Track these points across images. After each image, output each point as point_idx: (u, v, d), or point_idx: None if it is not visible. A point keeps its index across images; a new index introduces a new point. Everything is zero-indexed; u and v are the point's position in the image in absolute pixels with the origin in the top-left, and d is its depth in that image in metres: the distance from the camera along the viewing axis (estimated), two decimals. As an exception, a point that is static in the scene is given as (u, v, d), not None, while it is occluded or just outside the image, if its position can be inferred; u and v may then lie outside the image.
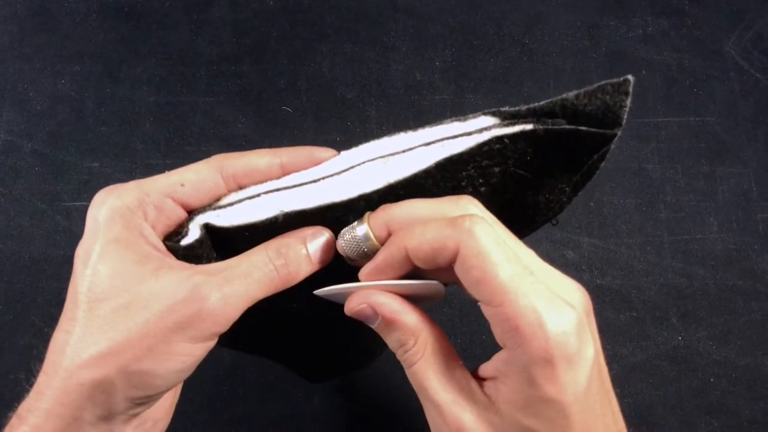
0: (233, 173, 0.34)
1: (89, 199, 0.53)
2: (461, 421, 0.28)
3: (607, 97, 0.31)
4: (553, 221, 0.37)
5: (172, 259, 0.31)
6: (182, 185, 0.33)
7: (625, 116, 0.31)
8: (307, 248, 0.33)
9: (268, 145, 0.54)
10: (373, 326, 0.31)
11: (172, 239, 0.33)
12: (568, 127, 0.32)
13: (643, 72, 0.56)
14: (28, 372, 0.30)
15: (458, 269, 0.28)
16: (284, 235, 0.33)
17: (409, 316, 0.30)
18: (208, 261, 0.33)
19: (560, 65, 0.56)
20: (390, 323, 0.30)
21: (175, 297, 0.29)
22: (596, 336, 0.29)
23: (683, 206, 0.53)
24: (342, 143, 0.54)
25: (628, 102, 0.31)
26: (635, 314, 0.51)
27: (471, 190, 0.35)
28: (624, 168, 0.54)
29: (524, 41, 0.57)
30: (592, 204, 0.53)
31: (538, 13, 0.58)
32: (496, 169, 0.34)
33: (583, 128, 0.32)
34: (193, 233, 0.33)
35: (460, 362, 0.30)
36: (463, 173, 0.34)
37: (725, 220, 0.52)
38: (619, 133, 0.31)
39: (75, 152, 0.55)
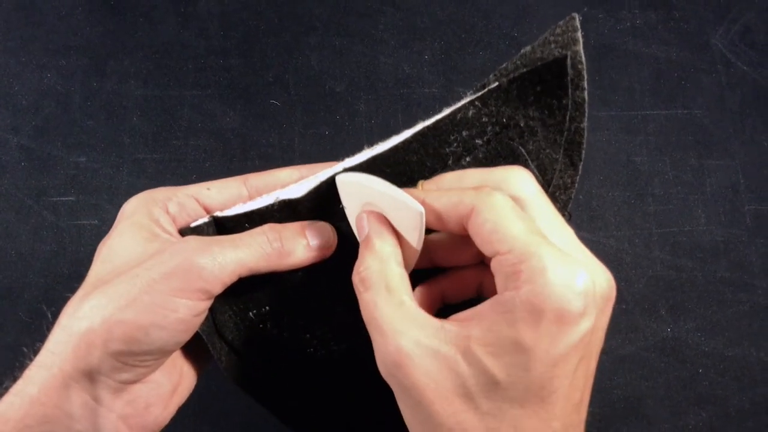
0: (257, 185, 0.36)
1: (76, 194, 0.53)
2: (400, 343, 0.27)
3: (559, 37, 0.33)
4: (566, 213, 0.35)
5: (176, 238, 0.33)
6: (208, 189, 0.35)
7: (581, 49, 0.33)
8: (306, 234, 0.34)
9: (256, 139, 0.54)
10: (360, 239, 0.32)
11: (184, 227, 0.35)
12: (527, 69, 0.34)
13: (632, 65, 0.56)
14: (15, 369, 0.30)
15: (472, 225, 0.28)
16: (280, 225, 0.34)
17: (380, 242, 0.31)
18: None
19: (549, 58, 0.57)
20: (365, 240, 0.31)
21: (167, 255, 0.30)
22: (602, 329, 0.28)
23: (671, 199, 0.53)
24: (331, 137, 0.54)
25: (579, 36, 0.33)
26: (624, 306, 0.51)
27: (458, 168, 0.34)
28: (612, 161, 0.54)
29: (513, 34, 0.57)
30: (581, 197, 0.53)
31: (526, 5, 0.58)
32: (479, 141, 0.35)
33: (539, 64, 0.33)
34: (202, 219, 0.35)
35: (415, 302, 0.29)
36: (447, 149, 0.35)
37: (713, 213, 0.53)
38: (574, 50, 0.33)
39: (61, 147, 0.55)
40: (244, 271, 0.32)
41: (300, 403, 0.38)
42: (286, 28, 0.58)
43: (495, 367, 0.26)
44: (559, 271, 0.26)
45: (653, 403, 0.49)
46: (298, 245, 0.33)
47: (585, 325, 0.27)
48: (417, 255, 0.32)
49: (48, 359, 0.29)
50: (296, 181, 0.36)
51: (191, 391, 0.36)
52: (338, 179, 0.33)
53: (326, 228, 0.35)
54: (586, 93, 0.33)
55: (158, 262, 0.30)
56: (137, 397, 0.32)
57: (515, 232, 0.27)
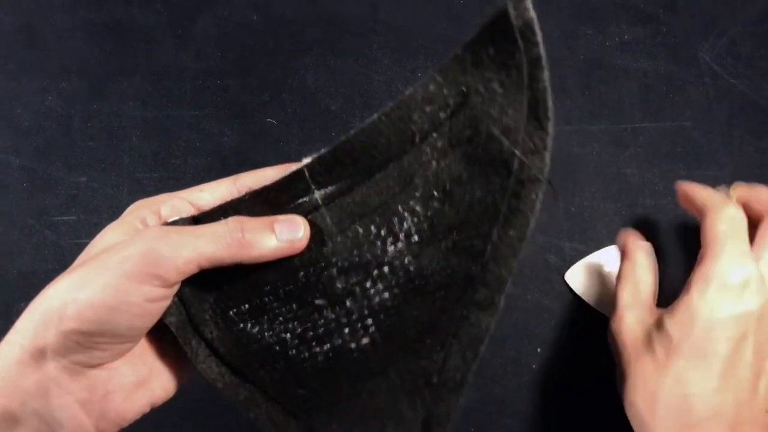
0: (247, 183, 0.38)
1: (77, 213, 0.54)
2: (623, 310, 0.43)
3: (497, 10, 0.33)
4: (551, 190, 0.35)
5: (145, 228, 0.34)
6: (201, 191, 0.37)
7: (528, 3, 0.32)
8: (275, 226, 0.34)
9: (253, 158, 0.55)
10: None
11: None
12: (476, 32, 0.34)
13: (620, 79, 0.57)
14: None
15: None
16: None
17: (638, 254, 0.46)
18: None
19: (539, 74, 0.58)
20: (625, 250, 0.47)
21: (128, 241, 0.31)
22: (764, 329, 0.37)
23: (662, 209, 0.54)
24: (326, 154, 0.55)
25: (526, 4, 0.32)
26: (617, 316, 0.52)
27: (428, 148, 0.35)
28: (603, 173, 0.55)
29: (503, 51, 0.58)
30: (573, 209, 0.54)
31: (516, 23, 0.59)
32: (442, 115, 0.34)
33: (486, 22, 0.33)
34: (180, 217, 0.36)
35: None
36: (412, 127, 0.35)
37: (703, 223, 0.53)
38: (522, 6, 0.32)
39: (62, 167, 0.56)
40: (203, 261, 0.32)
41: (282, 407, 0.38)
42: (282, 49, 0.59)
43: (670, 325, 0.38)
44: (735, 255, 0.37)
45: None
46: (263, 237, 0.34)
47: (749, 301, 0.36)
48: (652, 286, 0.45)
49: (12, 336, 0.30)
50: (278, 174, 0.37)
51: (170, 394, 0.37)
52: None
53: (297, 220, 0.35)
54: (541, 48, 0.32)
55: (120, 248, 0.31)
56: (95, 382, 0.32)
57: (715, 230, 0.39)
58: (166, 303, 0.33)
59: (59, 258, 0.53)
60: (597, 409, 0.50)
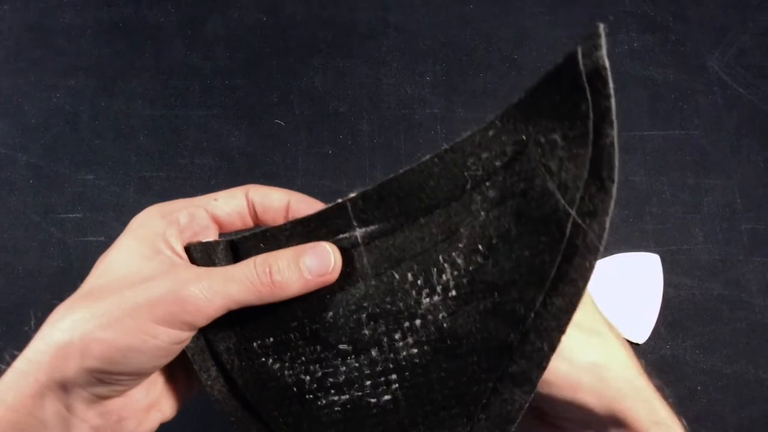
0: (254, 198, 0.37)
1: (83, 211, 0.54)
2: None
3: (584, 46, 0.28)
4: (598, 241, 0.29)
5: (177, 261, 0.33)
6: (215, 199, 0.36)
7: (603, 53, 0.27)
8: (301, 262, 0.33)
9: (260, 158, 0.55)
10: None
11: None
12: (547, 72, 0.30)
13: (630, 87, 0.57)
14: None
15: None
16: (280, 251, 0.33)
17: None
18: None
19: (548, 80, 0.58)
20: None
21: (158, 282, 0.30)
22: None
23: (669, 218, 0.54)
24: (334, 156, 0.55)
25: (602, 42, 0.27)
26: (623, 324, 0.52)
27: (479, 197, 0.32)
28: (611, 180, 0.55)
29: (513, 57, 0.58)
30: (580, 215, 0.54)
31: (526, 29, 0.59)
32: (498, 163, 0.32)
33: (554, 67, 0.29)
34: (214, 238, 0.35)
35: None
36: (465, 172, 0.32)
37: (710, 231, 0.53)
38: (597, 54, 0.27)
39: (69, 165, 0.56)
40: (233, 306, 0.32)
41: None
42: (291, 50, 0.59)
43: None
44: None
45: (652, 420, 0.50)
46: (292, 277, 0.33)
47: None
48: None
49: (25, 366, 0.29)
50: (285, 205, 0.37)
51: (178, 410, 0.36)
52: None
53: (325, 251, 0.33)
54: (612, 101, 0.28)
55: (147, 287, 0.30)
56: (110, 410, 0.32)
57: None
58: (188, 341, 0.33)
59: (65, 255, 0.53)
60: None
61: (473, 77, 0.58)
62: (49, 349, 0.29)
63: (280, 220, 0.37)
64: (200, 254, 0.34)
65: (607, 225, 0.29)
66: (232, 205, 0.37)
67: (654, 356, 0.51)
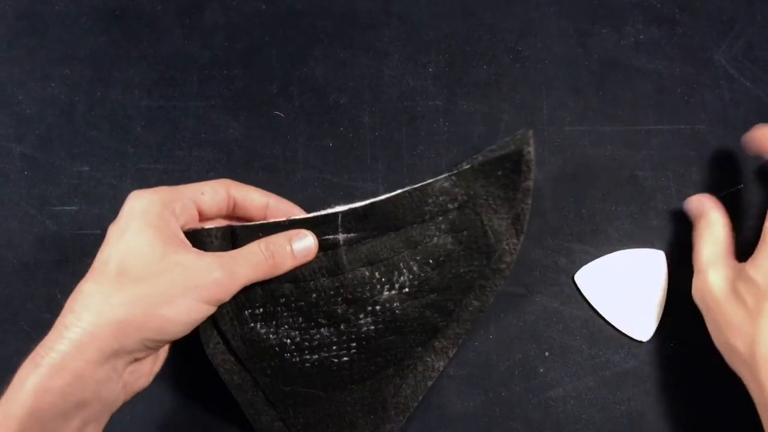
0: (236, 196, 0.46)
1: (79, 203, 0.53)
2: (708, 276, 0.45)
3: (517, 141, 0.48)
4: (507, 270, 0.47)
5: (186, 244, 0.41)
6: (203, 194, 0.44)
7: (531, 150, 0.47)
8: (292, 245, 0.44)
9: (259, 150, 0.54)
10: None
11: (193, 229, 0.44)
12: (494, 156, 0.48)
13: (635, 80, 0.56)
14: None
15: None
16: (276, 235, 0.44)
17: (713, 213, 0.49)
18: (214, 249, 0.44)
19: (553, 73, 0.57)
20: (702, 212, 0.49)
21: (196, 267, 0.38)
22: None
23: (674, 214, 0.53)
24: (334, 149, 0.55)
25: (531, 141, 0.47)
26: (627, 321, 0.51)
27: (434, 226, 0.47)
28: (615, 175, 0.54)
29: (517, 48, 0.57)
30: (584, 211, 0.53)
31: (531, 20, 0.58)
32: (450, 206, 0.47)
33: (501, 154, 0.47)
34: (214, 225, 0.46)
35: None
36: (425, 207, 0.47)
37: (716, 228, 0.53)
38: (527, 150, 0.47)
39: (65, 156, 0.55)
40: (247, 283, 0.42)
41: (265, 398, 0.46)
42: (291, 40, 0.58)
43: (754, 273, 0.42)
44: None
45: (656, 419, 0.49)
46: (287, 256, 0.43)
47: None
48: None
49: (84, 338, 0.35)
50: (263, 205, 0.47)
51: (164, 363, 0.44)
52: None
53: (308, 237, 0.44)
54: (531, 183, 0.46)
55: (190, 275, 0.38)
56: (136, 369, 0.40)
57: None
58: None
59: (60, 248, 0.52)
60: (605, 413, 0.49)
61: (476, 69, 0.57)
62: (110, 324, 0.36)
63: (255, 219, 0.47)
64: (196, 239, 0.43)
65: (514, 259, 0.47)
66: (216, 200, 0.44)
67: (658, 355, 0.50)
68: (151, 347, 0.39)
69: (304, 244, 0.44)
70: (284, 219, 0.46)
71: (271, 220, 0.46)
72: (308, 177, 0.54)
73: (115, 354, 0.36)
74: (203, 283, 0.38)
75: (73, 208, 0.54)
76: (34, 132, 0.55)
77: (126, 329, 0.36)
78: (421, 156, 0.55)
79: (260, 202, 0.47)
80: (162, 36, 0.58)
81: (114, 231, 0.40)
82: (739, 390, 0.49)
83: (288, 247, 0.43)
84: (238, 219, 0.48)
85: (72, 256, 0.52)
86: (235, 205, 0.46)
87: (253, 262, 0.41)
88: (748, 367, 0.42)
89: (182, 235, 0.42)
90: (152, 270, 0.37)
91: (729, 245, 0.47)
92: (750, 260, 0.43)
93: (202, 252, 0.41)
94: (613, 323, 0.51)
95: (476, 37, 0.58)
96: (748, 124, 0.54)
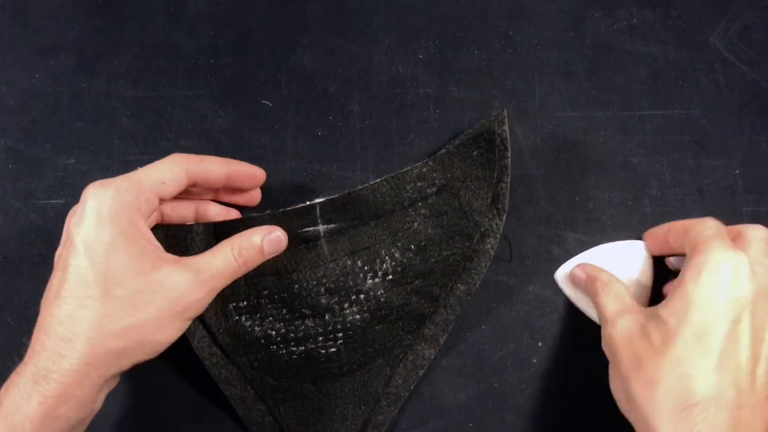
0: (195, 174, 0.45)
1: (65, 196, 0.52)
2: (613, 315, 0.43)
3: (492, 121, 0.48)
4: (508, 251, 0.50)
5: (161, 251, 0.41)
6: (164, 183, 0.42)
7: (506, 128, 0.47)
8: (263, 244, 0.43)
9: (247, 140, 0.53)
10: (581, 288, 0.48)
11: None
12: (467, 137, 0.48)
13: (628, 64, 0.56)
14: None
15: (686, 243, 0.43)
16: (246, 231, 0.44)
17: (604, 274, 0.47)
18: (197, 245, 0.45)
19: (545, 58, 0.56)
20: (590, 278, 0.47)
21: (177, 289, 0.39)
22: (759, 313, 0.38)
23: (669, 200, 0.52)
24: (324, 138, 0.54)
25: (506, 120, 0.48)
26: (621, 309, 0.50)
27: (413, 212, 0.47)
28: (609, 162, 0.53)
29: (509, 33, 0.56)
30: (577, 198, 0.52)
31: (522, 4, 0.57)
32: (429, 191, 0.47)
33: (476, 132, 0.48)
34: (158, 215, 0.46)
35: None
36: (404, 194, 0.47)
37: (711, 214, 0.51)
38: (502, 128, 0.47)
39: (50, 149, 0.54)
40: (222, 288, 0.43)
41: (254, 391, 0.46)
42: (278, 28, 0.57)
43: (666, 313, 0.39)
44: (724, 247, 0.39)
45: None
46: (257, 257, 0.43)
47: (741, 286, 0.38)
48: (647, 286, 0.49)
49: (83, 368, 0.36)
50: (223, 176, 0.47)
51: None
52: (558, 277, 0.51)
53: (276, 233, 0.44)
54: (508, 161, 0.47)
55: (175, 299, 0.39)
56: (117, 378, 0.41)
57: (702, 235, 0.42)
58: None
59: (46, 243, 0.52)
60: (598, 404, 0.49)
61: (467, 54, 0.56)
62: (107, 354, 0.37)
63: (217, 188, 0.49)
64: (174, 237, 0.44)
65: (498, 239, 0.47)
66: (176, 185, 0.43)
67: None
68: (140, 363, 0.40)
69: (273, 240, 0.44)
70: (263, 213, 0.47)
71: (253, 215, 0.47)
72: (297, 167, 0.53)
73: (113, 377, 0.39)
74: (188, 304, 0.40)
75: (59, 201, 0.53)
76: (18, 124, 0.55)
77: (122, 357, 0.38)
78: (412, 144, 0.54)
79: (219, 173, 0.46)
80: (147, 24, 0.57)
81: (82, 237, 0.38)
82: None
83: (258, 246, 0.43)
84: (197, 193, 0.49)
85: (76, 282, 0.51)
86: (195, 183, 0.45)
87: (227, 272, 0.42)
88: (641, 412, 0.38)
89: (153, 239, 0.41)
90: (137, 290, 0.38)
91: (631, 294, 0.45)
92: (663, 303, 0.41)
93: (177, 262, 0.40)
94: (596, 320, 0.50)
95: (467, 23, 0.57)
96: (744, 108, 0.54)
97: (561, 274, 0.51)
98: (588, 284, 0.47)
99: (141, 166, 0.53)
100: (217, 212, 0.49)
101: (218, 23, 0.57)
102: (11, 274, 0.51)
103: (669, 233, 0.46)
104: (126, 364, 0.39)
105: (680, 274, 0.41)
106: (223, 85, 0.55)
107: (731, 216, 0.52)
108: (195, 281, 0.40)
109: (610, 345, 0.42)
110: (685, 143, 0.54)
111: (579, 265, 0.49)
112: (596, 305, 0.45)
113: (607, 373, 0.47)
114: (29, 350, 0.38)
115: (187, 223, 0.46)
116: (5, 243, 0.52)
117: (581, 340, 0.50)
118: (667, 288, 0.47)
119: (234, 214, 0.50)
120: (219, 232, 0.46)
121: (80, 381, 0.36)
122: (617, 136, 0.54)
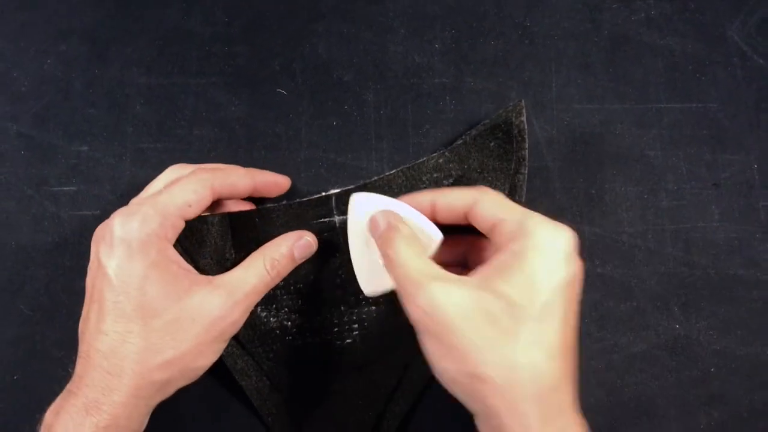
0: (219, 190, 0.44)
1: (77, 183, 0.52)
2: (431, 292, 0.35)
3: (509, 112, 0.47)
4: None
5: (193, 274, 0.41)
6: (189, 206, 0.42)
7: (524, 119, 0.47)
8: (294, 252, 0.43)
9: (262, 129, 0.53)
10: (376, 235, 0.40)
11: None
12: (484, 128, 0.48)
13: (646, 57, 0.55)
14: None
15: (476, 210, 0.39)
16: (275, 241, 0.43)
17: (402, 224, 0.40)
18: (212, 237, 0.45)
19: (562, 49, 0.55)
20: (388, 227, 0.39)
21: (213, 314, 0.39)
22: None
23: (685, 194, 0.52)
24: (338, 127, 0.53)
25: (523, 111, 0.47)
26: (635, 304, 0.50)
27: None
28: (626, 155, 0.53)
29: (525, 24, 0.56)
30: (593, 192, 0.52)
31: (539, -6, 0.56)
32: (445, 182, 0.47)
33: (494, 123, 0.47)
34: (210, 214, 0.45)
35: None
36: (420, 185, 0.46)
37: (727, 209, 0.52)
38: (519, 119, 0.47)
39: (62, 135, 0.54)
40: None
41: (270, 383, 0.46)
42: (293, 15, 0.56)
43: (511, 291, 0.35)
44: (551, 225, 0.38)
45: (664, 403, 0.49)
46: (288, 266, 0.43)
47: (575, 266, 0.37)
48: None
49: (132, 400, 0.38)
50: (248, 188, 0.46)
51: None
52: (353, 196, 0.41)
53: (310, 243, 0.44)
54: (526, 152, 0.46)
55: (211, 324, 0.40)
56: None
57: (511, 207, 0.39)
58: None
59: (59, 230, 0.51)
60: (613, 397, 0.49)
61: (483, 44, 0.56)
62: (153, 385, 0.39)
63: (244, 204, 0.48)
64: (190, 228, 0.43)
65: None
66: (201, 206, 0.43)
67: (667, 337, 0.50)
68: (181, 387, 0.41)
69: (303, 245, 0.44)
70: (279, 204, 0.47)
71: (268, 205, 0.47)
72: (312, 156, 0.53)
73: (157, 403, 0.40)
74: (224, 328, 0.40)
75: (72, 188, 0.52)
76: (31, 110, 0.54)
77: (166, 386, 0.40)
78: (427, 135, 0.53)
79: (245, 187, 0.46)
80: (161, 11, 0.56)
81: (114, 270, 0.39)
82: (749, 372, 0.49)
83: (290, 255, 0.43)
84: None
85: (71, 237, 0.51)
86: (220, 197, 0.46)
87: (260, 288, 0.42)
88: (504, 397, 0.34)
89: (182, 262, 0.42)
90: (174, 318, 0.39)
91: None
92: (496, 273, 0.36)
93: (209, 283, 0.40)
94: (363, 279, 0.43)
95: (483, 12, 0.56)
96: (761, 103, 0.53)
97: (360, 210, 0.42)
98: (384, 236, 0.39)
99: (154, 153, 0.53)
100: (232, 202, 0.48)
101: (232, 10, 0.56)
102: (23, 261, 0.51)
103: (437, 213, 0.41)
104: (170, 391, 0.40)
105: (505, 248, 0.37)
106: (237, 73, 0.55)
107: (748, 211, 0.52)
108: (229, 303, 0.40)
109: (431, 321, 0.35)
110: (702, 137, 0.53)
111: (383, 212, 0.40)
112: (394, 263, 0.38)
113: (621, 365, 0.47)
114: (76, 379, 0.38)
115: (203, 214, 0.45)
116: (17, 230, 0.52)
117: (597, 332, 0.50)
118: (474, 256, 0.43)
119: (249, 204, 0.49)
120: (235, 222, 0.46)
121: (129, 412, 0.38)
122: (634, 129, 0.53)
